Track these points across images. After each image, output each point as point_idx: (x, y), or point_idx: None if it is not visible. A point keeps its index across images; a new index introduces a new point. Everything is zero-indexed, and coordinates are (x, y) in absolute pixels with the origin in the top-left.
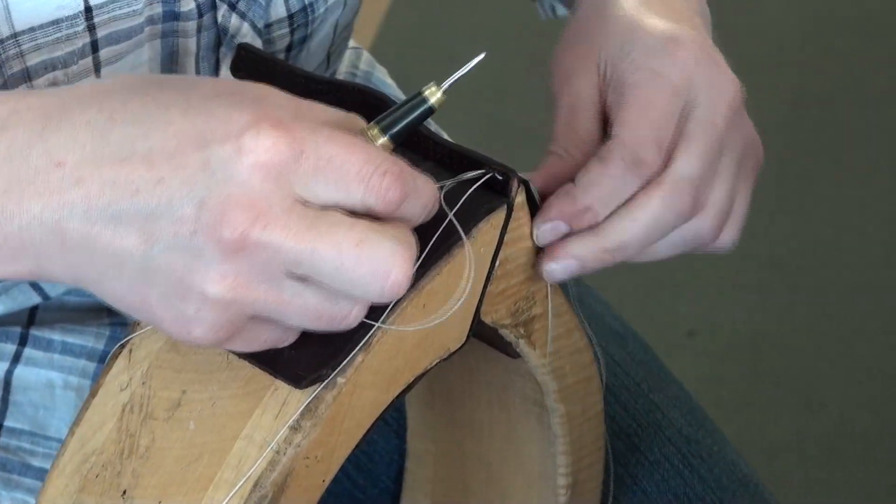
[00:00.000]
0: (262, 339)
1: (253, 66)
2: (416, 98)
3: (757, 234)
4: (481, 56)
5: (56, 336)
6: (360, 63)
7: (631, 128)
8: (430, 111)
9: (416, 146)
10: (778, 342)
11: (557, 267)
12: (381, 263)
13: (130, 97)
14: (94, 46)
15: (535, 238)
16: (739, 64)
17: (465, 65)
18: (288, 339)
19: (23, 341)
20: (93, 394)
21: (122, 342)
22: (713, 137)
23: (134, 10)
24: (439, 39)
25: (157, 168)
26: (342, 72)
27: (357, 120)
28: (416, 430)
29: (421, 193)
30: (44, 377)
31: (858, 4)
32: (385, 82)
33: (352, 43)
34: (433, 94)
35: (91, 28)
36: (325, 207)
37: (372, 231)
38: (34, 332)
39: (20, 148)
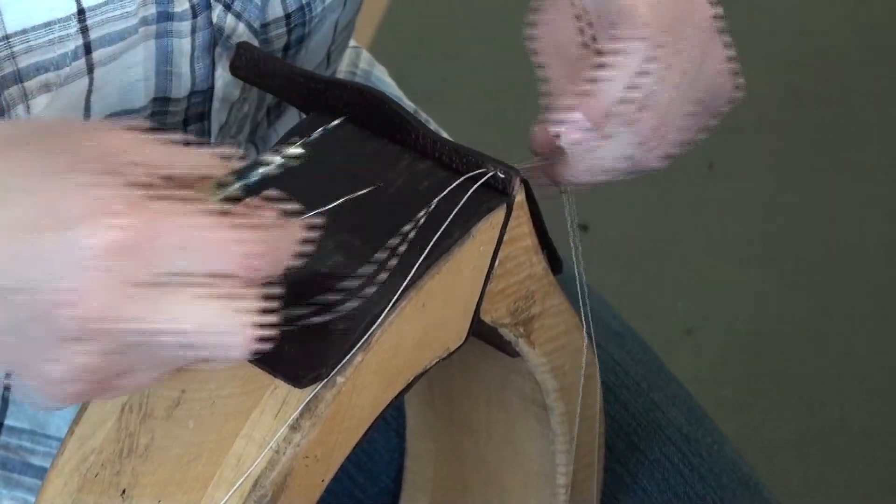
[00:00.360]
0: (133, 382)
1: (252, 65)
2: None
3: (755, 232)
4: (339, 119)
5: None
6: (359, 62)
7: (640, 13)
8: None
9: (414, 145)
10: (777, 340)
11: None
12: (224, 340)
13: (6, 153)
14: (88, 48)
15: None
16: (742, 60)
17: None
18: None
19: None
20: None
21: None
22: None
23: (127, 12)
24: (438, 38)
25: (13, 243)
26: (342, 71)
27: (215, 165)
28: (416, 430)
29: (278, 247)
30: None
31: (859, 2)
32: (384, 81)
33: (351, 42)
34: (291, 153)
35: (84, 30)
36: (168, 283)
37: (215, 297)
38: None
39: None
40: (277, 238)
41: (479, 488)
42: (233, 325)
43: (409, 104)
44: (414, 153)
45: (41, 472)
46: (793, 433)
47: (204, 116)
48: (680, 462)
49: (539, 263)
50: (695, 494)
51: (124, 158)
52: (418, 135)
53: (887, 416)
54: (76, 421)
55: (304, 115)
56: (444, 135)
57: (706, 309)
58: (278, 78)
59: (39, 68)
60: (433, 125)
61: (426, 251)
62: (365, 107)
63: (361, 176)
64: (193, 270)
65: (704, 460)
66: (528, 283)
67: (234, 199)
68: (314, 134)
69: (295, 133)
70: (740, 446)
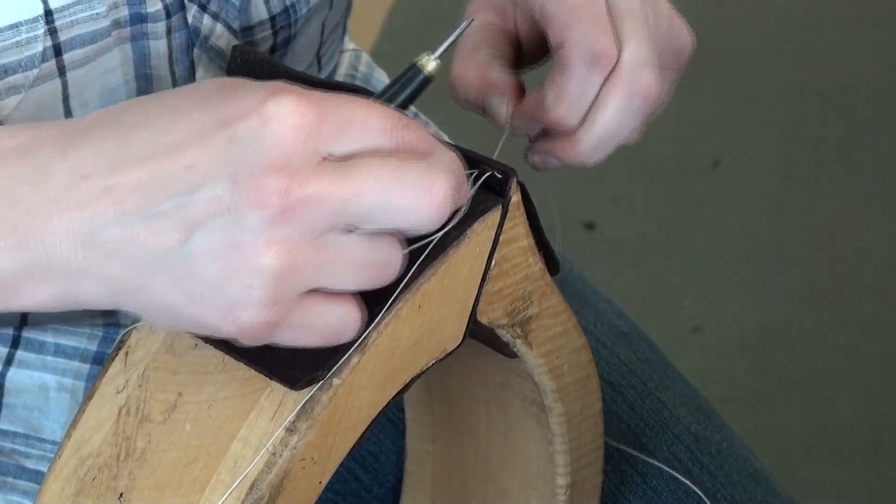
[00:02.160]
0: (318, 325)
1: (248, 68)
2: (412, 69)
3: (762, 230)
4: (470, 21)
5: (49, 338)
6: (359, 65)
7: (576, 27)
8: (427, 81)
9: None
10: (784, 338)
11: (538, 160)
12: (424, 183)
13: (144, 106)
14: (57, 50)
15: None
16: (744, 60)
17: (453, 31)
18: (346, 327)
19: (15, 344)
20: (89, 396)
21: (121, 335)
22: (640, 13)
23: (97, 14)
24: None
25: (183, 157)
26: (341, 74)
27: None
28: (415, 431)
29: (443, 154)
30: (37, 379)
31: (865, 1)
32: (385, 84)
33: (351, 45)
34: (428, 64)
35: (52, 31)
36: (356, 154)
37: (406, 160)
38: (26, 334)
39: (43, 168)
40: (444, 149)
41: (479, 489)
42: (429, 169)
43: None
44: None
45: (35, 476)
46: (800, 431)
47: None
48: (689, 461)
49: (536, 264)
50: (705, 492)
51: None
52: None
53: (895, 414)
54: (73, 425)
55: None
56: (445, 137)
57: (713, 307)
58: (274, 80)
59: (8, 70)
60: (433, 128)
61: (425, 254)
62: None
63: None
64: (381, 148)
65: (714, 458)
66: (525, 284)
67: None
68: (443, 46)
69: None
70: (747, 445)
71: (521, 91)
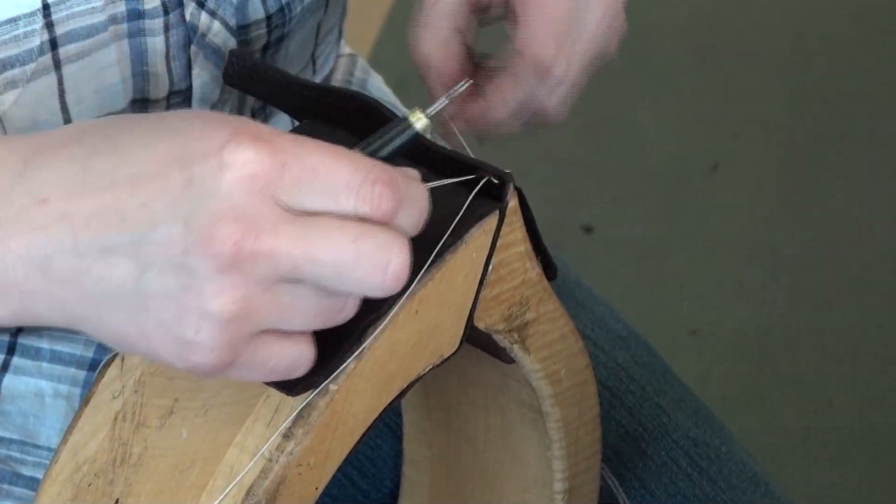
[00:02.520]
0: (270, 364)
1: (245, 73)
2: (402, 123)
3: (760, 231)
4: (467, 83)
5: (44, 344)
6: (355, 70)
7: (531, 37)
8: (415, 137)
9: (407, 152)
10: (782, 341)
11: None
12: (379, 257)
13: (108, 130)
14: (53, 44)
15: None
16: (742, 62)
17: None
18: (299, 365)
19: (10, 350)
20: (85, 402)
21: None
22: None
23: (93, 7)
24: None
25: (140, 193)
26: (337, 79)
27: None
28: (413, 435)
29: (416, 200)
30: (33, 386)
31: (863, 2)
32: (381, 89)
33: (347, 50)
34: (418, 121)
35: (49, 25)
36: (315, 215)
37: (365, 227)
38: (22, 340)
39: (2, 190)
40: (417, 193)
41: (477, 494)
42: (389, 242)
43: (404, 110)
44: (407, 160)
45: (31, 483)
46: (799, 434)
47: None
48: (688, 465)
49: (533, 269)
50: (704, 497)
51: (245, 119)
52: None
53: (895, 416)
54: (70, 430)
55: (296, 123)
56: (439, 140)
57: (712, 309)
58: (271, 85)
59: (6, 64)
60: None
61: (428, 262)
62: (359, 114)
63: None
64: (344, 207)
65: (713, 462)
66: (523, 289)
67: None
68: (436, 106)
69: None
70: (747, 448)
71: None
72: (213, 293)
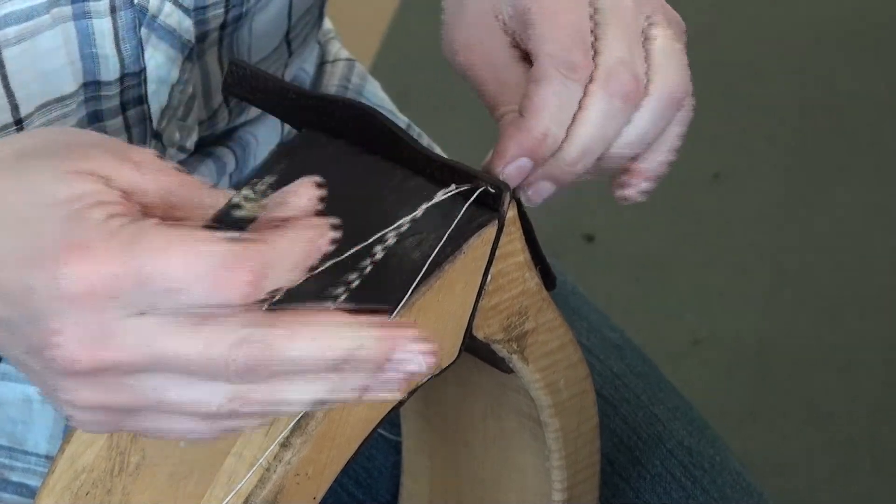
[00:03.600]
0: (161, 430)
1: (244, 82)
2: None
3: (762, 242)
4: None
5: None
6: (352, 76)
7: (550, 39)
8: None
9: (405, 161)
10: (784, 351)
11: (533, 192)
12: (225, 348)
13: None
14: None
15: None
16: (744, 72)
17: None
18: (194, 436)
19: None
20: None
21: None
22: (626, 17)
23: None
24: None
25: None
26: (333, 84)
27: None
28: (412, 445)
29: (283, 258)
30: (20, 392)
31: (865, 13)
32: (378, 95)
33: (345, 55)
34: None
35: None
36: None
37: (208, 321)
38: None
39: None
40: (286, 247)
41: None
42: (219, 355)
43: (402, 118)
44: (406, 169)
45: (20, 489)
46: (800, 445)
47: (142, 100)
48: (682, 475)
49: (532, 279)
50: None
51: (108, 183)
52: (410, 151)
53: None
54: (67, 440)
55: (287, 128)
56: (438, 149)
57: (713, 320)
58: (270, 94)
59: None
60: (426, 139)
61: (424, 273)
62: (357, 123)
63: (354, 194)
64: (197, 304)
65: (707, 472)
66: (522, 299)
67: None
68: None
69: (284, 152)
70: (747, 458)
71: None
72: (68, 390)
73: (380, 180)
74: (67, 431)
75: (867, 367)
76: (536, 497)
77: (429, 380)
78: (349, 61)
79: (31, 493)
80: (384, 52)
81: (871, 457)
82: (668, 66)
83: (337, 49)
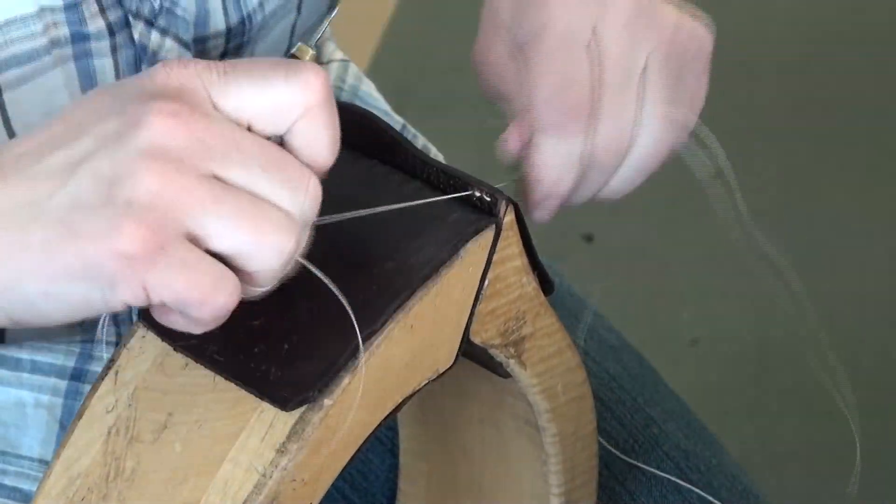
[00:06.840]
0: (194, 270)
1: None
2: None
3: (762, 242)
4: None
5: (24, 355)
6: (346, 76)
7: (544, 94)
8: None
9: (402, 165)
10: (783, 350)
11: (538, 214)
12: (260, 257)
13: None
14: None
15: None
16: (744, 70)
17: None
18: (224, 286)
19: None
20: (78, 416)
21: (111, 355)
22: (620, 53)
23: (32, 32)
24: (442, 51)
25: (76, 128)
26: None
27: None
28: (409, 449)
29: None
30: (14, 396)
31: (863, 11)
32: (373, 96)
33: (340, 55)
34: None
35: None
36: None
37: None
38: (2, 351)
39: None
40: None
41: None
42: (272, 243)
43: (397, 119)
44: (402, 174)
45: (13, 493)
46: (798, 445)
47: None
48: (679, 477)
49: (530, 284)
50: None
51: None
52: (406, 156)
53: (895, 427)
54: (63, 445)
55: None
56: (434, 151)
57: (712, 319)
58: None
59: None
60: (421, 141)
61: (421, 278)
62: (353, 127)
63: (350, 198)
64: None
65: (703, 475)
66: (519, 304)
67: None
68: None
69: None
70: (745, 457)
71: None
72: (143, 167)
73: (376, 185)
74: (62, 437)
75: (866, 366)
76: (533, 501)
77: (426, 385)
78: (343, 62)
79: (25, 496)
80: (381, 52)
81: (870, 458)
82: (651, 127)
83: (331, 50)
